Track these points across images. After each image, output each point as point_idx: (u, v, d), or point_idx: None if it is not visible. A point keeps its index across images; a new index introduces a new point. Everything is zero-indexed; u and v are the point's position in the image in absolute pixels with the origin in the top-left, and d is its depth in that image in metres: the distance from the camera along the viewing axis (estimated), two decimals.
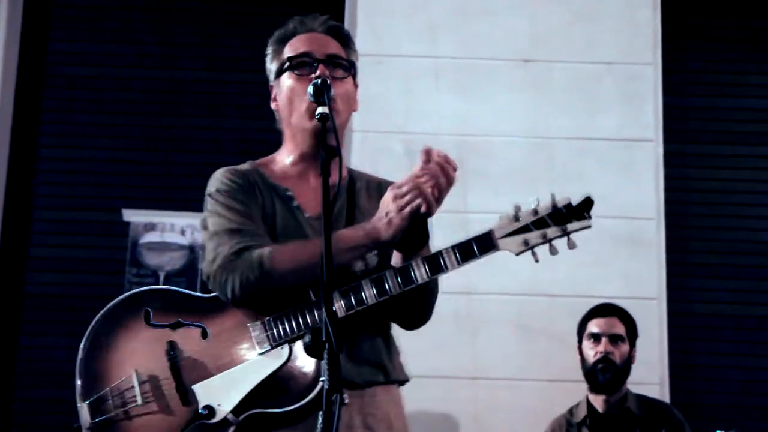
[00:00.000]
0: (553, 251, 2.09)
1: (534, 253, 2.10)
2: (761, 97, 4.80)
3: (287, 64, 2.28)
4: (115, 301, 2.24)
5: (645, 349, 4.01)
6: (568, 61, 4.52)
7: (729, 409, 4.46)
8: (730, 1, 4.88)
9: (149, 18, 4.91)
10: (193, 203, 4.56)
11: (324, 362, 1.73)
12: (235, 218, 2.19)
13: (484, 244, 2.10)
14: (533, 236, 2.09)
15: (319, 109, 2.05)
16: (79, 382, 2.17)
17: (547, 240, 2.09)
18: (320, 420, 1.71)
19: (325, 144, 2.00)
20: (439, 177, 2.08)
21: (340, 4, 4.67)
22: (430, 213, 2.10)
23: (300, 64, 2.27)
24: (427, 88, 4.50)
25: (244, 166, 2.33)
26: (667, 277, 4.41)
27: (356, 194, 2.32)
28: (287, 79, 2.29)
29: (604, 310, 3.88)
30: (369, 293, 2.09)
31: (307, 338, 1.79)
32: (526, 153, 4.43)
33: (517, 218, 2.10)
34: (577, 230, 2.10)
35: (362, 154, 4.38)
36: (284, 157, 2.34)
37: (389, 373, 2.23)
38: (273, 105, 2.36)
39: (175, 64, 4.83)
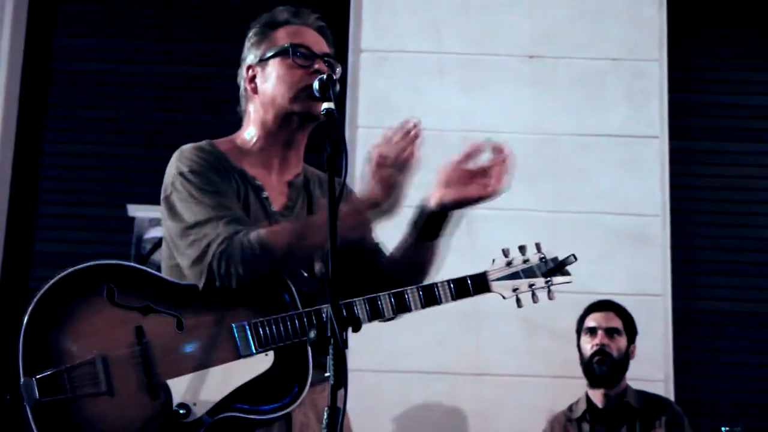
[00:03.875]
0: (535, 300, 2.25)
1: (518, 299, 2.23)
2: (767, 94, 4.79)
3: (289, 51, 2.27)
4: (69, 270, 2.09)
5: (649, 346, 4.02)
6: (573, 57, 4.52)
7: (734, 406, 4.46)
8: None
9: (154, 13, 4.90)
10: None
11: (330, 358, 1.73)
12: (213, 203, 2.13)
13: (479, 284, 2.21)
14: (522, 284, 2.23)
15: (325, 105, 2.05)
16: (23, 354, 2.01)
17: (531, 289, 2.24)
18: (326, 416, 1.71)
19: (331, 139, 1.99)
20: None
21: (344, 1, 4.67)
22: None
23: (300, 54, 2.27)
24: (432, 84, 4.49)
25: (206, 146, 2.27)
26: (672, 273, 4.40)
27: (312, 192, 2.33)
28: (281, 65, 2.28)
29: (600, 305, 3.91)
30: (362, 311, 2.12)
31: (312, 333, 1.79)
32: (530, 149, 4.42)
33: (509, 264, 2.24)
34: (559, 284, 2.26)
35: (367, 151, 4.37)
36: (247, 142, 2.33)
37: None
38: (249, 86, 2.33)
39: (180, 60, 4.83)
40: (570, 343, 3.99)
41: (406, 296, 2.14)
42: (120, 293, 2.06)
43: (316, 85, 2.11)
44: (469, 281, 2.19)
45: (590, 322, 3.88)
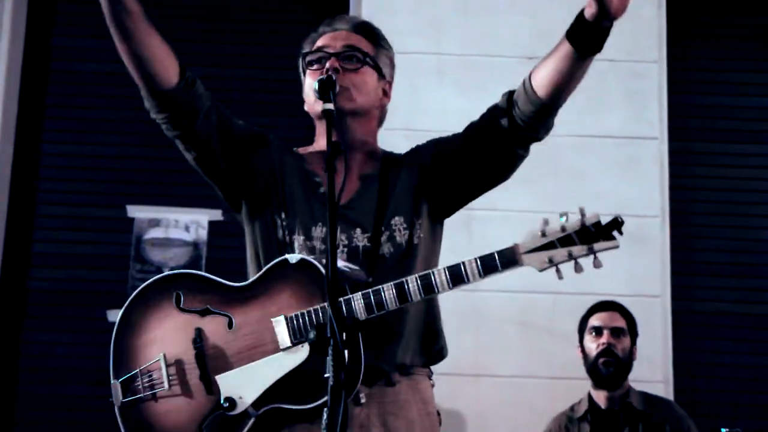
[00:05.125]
0: (578, 269, 2.06)
1: (558, 270, 2.07)
2: (766, 95, 4.80)
3: (302, 61, 2.36)
4: (149, 282, 2.26)
5: (649, 347, 4.01)
6: None
7: (733, 407, 4.46)
8: None
9: (153, 14, 4.87)
10: (198, 199, 4.60)
11: (329, 359, 1.73)
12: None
13: (507, 258, 2.08)
14: (558, 254, 2.06)
15: (323, 105, 2.08)
16: (111, 360, 2.21)
17: (572, 258, 2.06)
18: (325, 416, 1.70)
19: (330, 140, 2.01)
20: None
21: (344, 1, 4.67)
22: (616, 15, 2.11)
23: (314, 60, 2.33)
24: (431, 85, 4.49)
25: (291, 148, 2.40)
26: (671, 274, 4.40)
27: (389, 181, 2.33)
28: (306, 74, 2.35)
29: (605, 305, 3.91)
30: (389, 297, 2.09)
31: (311, 334, 1.79)
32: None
33: (543, 234, 2.08)
34: (603, 250, 2.06)
35: None
36: (315, 146, 2.41)
37: (415, 357, 2.26)
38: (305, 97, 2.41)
39: (179, 60, 4.82)
40: (569, 344, 3.98)
41: (433, 278, 2.09)
42: (186, 299, 2.21)
43: (315, 86, 2.14)
44: (497, 257, 2.08)
45: (595, 321, 3.87)
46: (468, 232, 4.25)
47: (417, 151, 2.43)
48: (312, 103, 2.31)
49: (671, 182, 4.50)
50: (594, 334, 3.85)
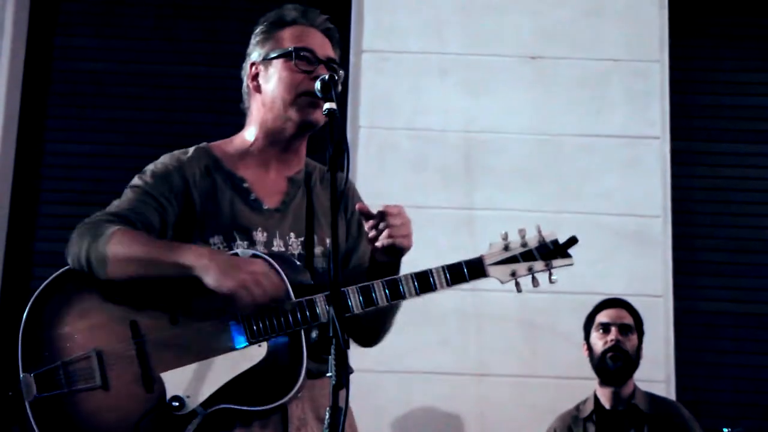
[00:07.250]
0: (535, 284, 2.16)
1: (518, 284, 2.16)
2: None
3: (292, 54, 2.27)
4: (66, 267, 2.17)
5: (651, 347, 4.01)
6: (575, 58, 4.52)
7: (735, 407, 4.46)
8: None
9: (155, 13, 4.90)
10: None
11: (332, 358, 1.74)
12: (131, 198, 2.22)
13: (475, 269, 2.14)
14: (520, 267, 2.15)
15: (327, 105, 2.06)
16: (21, 350, 2.09)
17: (531, 272, 2.16)
18: (327, 416, 1.71)
19: (333, 140, 1.99)
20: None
21: (346, 1, 4.67)
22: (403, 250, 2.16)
23: (303, 58, 2.27)
24: (434, 85, 4.49)
25: (193, 153, 2.30)
26: (673, 274, 4.40)
27: (312, 185, 2.33)
28: (284, 67, 2.27)
29: (612, 302, 3.89)
30: (355, 301, 2.08)
31: (314, 334, 1.80)
32: (532, 150, 4.42)
33: (506, 248, 2.16)
34: (560, 267, 2.17)
35: (368, 151, 4.38)
36: (246, 143, 2.34)
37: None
38: (251, 83, 2.34)
39: (180, 59, 4.83)
40: (571, 344, 3.98)
41: (401, 284, 2.10)
42: (115, 289, 2.10)
43: (317, 85, 2.12)
44: (464, 266, 2.13)
45: (603, 318, 3.83)
46: (470, 231, 4.25)
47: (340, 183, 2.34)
48: (286, 97, 2.25)
49: (673, 182, 4.50)
50: (602, 331, 3.82)
